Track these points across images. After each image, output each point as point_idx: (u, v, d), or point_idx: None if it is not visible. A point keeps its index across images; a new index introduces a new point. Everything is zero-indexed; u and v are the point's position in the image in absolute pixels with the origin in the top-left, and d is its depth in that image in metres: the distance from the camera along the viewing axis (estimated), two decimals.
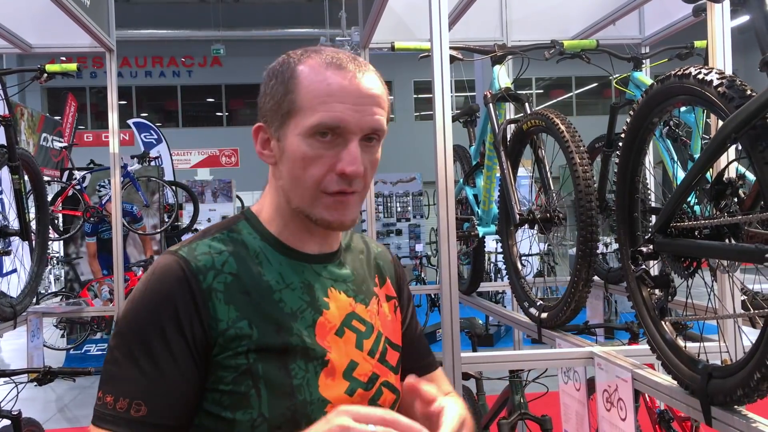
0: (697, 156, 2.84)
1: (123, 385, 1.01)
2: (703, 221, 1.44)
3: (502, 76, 2.88)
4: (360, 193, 1.11)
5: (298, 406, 1.05)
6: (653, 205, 3.16)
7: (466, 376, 3.06)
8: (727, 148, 1.33)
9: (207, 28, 17.95)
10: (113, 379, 1.02)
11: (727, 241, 1.44)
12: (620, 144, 1.78)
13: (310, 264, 1.15)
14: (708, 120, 2.80)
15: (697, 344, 1.72)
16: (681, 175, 2.94)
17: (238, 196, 13.86)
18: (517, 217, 2.53)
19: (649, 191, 3.23)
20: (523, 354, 2.17)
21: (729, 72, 2.05)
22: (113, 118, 3.79)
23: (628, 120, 1.74)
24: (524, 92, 2.85)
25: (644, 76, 3.24)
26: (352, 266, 1.22)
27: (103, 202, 7.39)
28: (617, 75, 3.22)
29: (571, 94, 21.75)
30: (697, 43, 3.27)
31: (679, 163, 2.99)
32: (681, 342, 1.63)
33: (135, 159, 7.91)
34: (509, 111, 3.27)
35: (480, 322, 3.35)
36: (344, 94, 1.06)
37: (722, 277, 1.82)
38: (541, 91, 21.95)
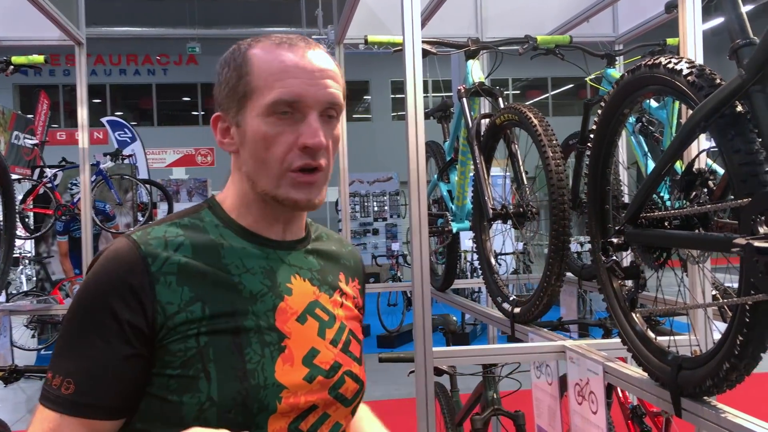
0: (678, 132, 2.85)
1: (60, 362, 1.02)
2: (672, 211, 1.44)
3: (476, 71, 2.87)
4: (324, 171, 1.11)
5: (250, 390, 1.03)
6: (626, 201, 3.17)
7: (439, 372, 3.04)
8: (696, 136, 1.32)
9: (183, 26, 17.78)
10: (55, 356, 1.03)
11: (697, 231, 1.44)
12: (591, 136, 1.78)
13: (274, 250, 1.14)
14: (681, 121, 2.82)
15: (667, 337, 1.73)
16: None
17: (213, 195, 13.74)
18: (491, 212, 2.52)
19: (622, 188, 3.25)
20: (495, 348, 2.15)
21: (699, 47, 2.05)
22: (83, 113, 3.72)
23: (600, 111, 1.74)
24: (499, 90, 2.84)
25: (618, 73, 3.26)
26: (319, 257, 1.22)
27: (75, 200, 7.28)
28: (592, 74, 3.23)
29: (547, 94, 21.89)
30: (669, 41, 3.30)
31: (651, 158, 3.00)
32: (651, 334, 1.63)
33: (108, 157, 7.80)
34: (483, 106, 3.26)
35: (454, 319, 3.33)
36: (298, 70, 1.07)
37: (692, 269, 1.82)
38: (518, 91, 22.06)
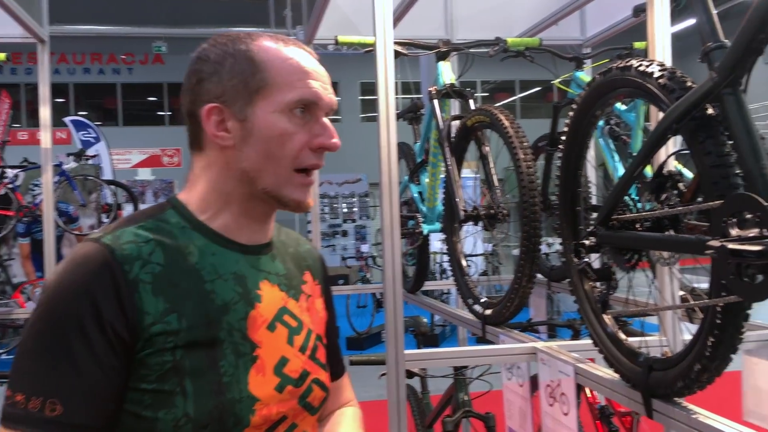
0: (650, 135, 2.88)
1: (35, 381, 0.94)
2: (644, 213, 1.45)
3: (447, 73, 2.87)
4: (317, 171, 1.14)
5: (226, 404, 1.00)
6: (594, 203, 3.21)
7: (410, 375, 3.03)
8: (668, 138, 1.33)
9: (149, 24, 17.54)
10: (25, 375, 0.95)
11: (668, 233, 1.45)
12: (563, 138, 1.78)
13: (243, 254, 1.11)
14: (648, 123, 2.85)
15: (638, 339, 1.74)
16: (621, 171, 2.99)
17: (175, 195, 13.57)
18: (462, 213, 2.51)
19: (590, 189, 3.27)
20: (467, 350, 2.15)
21: (668, 50, 2.07)
22: (45, 113, 3.64)
23: (571, 113, 1.74)
24: (470, 91, 2.84)
25: (586, 76, 3.29)
26: (284, 260, 1.19)
27: (37, 201, 7.11)
28: (560, 76, 3.26)
29: (515, 97, 22.08)
30: (637, 44, 3.34)
31: (619, 160, 3.03)
32: (622, 335, 1.64)
33: (71, 157, 7.65)
34: (454, 108, 3.26)
35: (425, 320, 3.33)
36: (315, 73, 1.09)
37: (661, 271, 1.83)
38: (486, 94, 22.20)
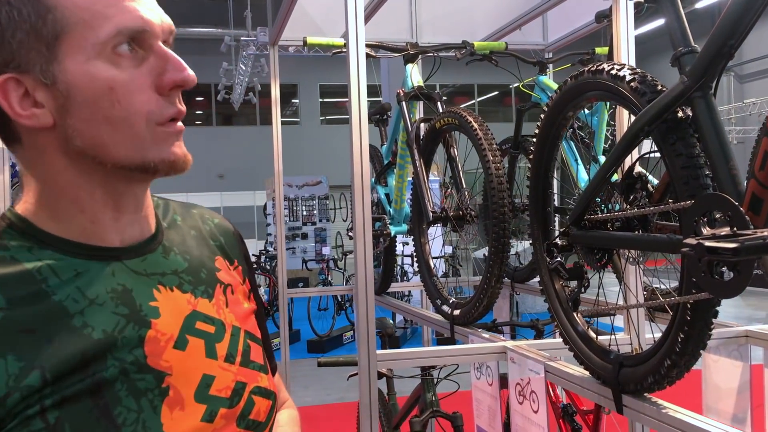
0: (600, 157, 2.96)
1: None
2: (616, 213, 1.48)
3: (415, 75, 2.89)
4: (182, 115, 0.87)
5: None
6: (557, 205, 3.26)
7: (378, 376, 3.04)
8: (640, 140, 1.37)
9: None
10: None
11: (637, 232, 1.49)
12: (534, 140, 1.81)
13: (120, 261, 0.85)
14: (612, 123, 2.92)
15: (607, 337, 1.78)
16: (583, 175, 3.05)
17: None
18: (431, 215, 2.53)
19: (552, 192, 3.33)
20: (437, 350, 2.17)
21: (632, 55, 2.13)
22: None
23: (542, 116, 1.77)
24: (438, 93, 2.87)
25: (549, 80, 3.35)
26: (182, 250, 0.93)
27: None
28: (523, 80, 3.32)
29: (473, 101, 22.32)
30: (598, 50, 3.42)
31: (581, 163, 3.10)
32: (592, 333, 1.67)
33: None
34: (420, 110, 3.29)
35: (391, 322, 3.34)
36: None
37: (628, 270, 1.88)
38: (445, 97, 22.38)
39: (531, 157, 1.83)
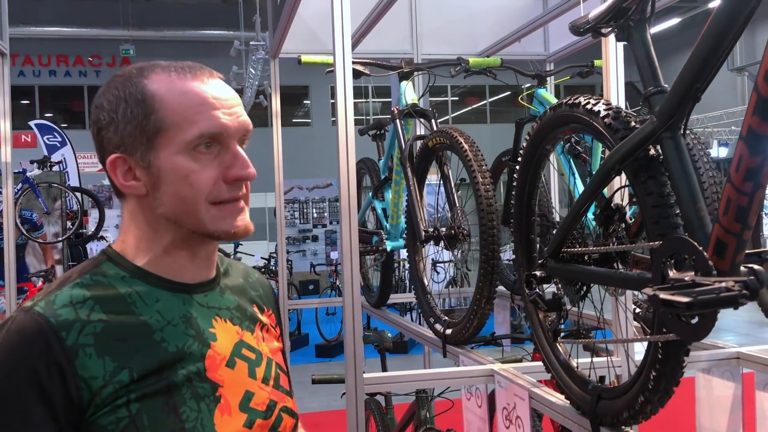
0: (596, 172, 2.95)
1: None
2: (591, 248, 1.48)
3: (409, 92, 2.90)
4: (245, 196, 1.08)
5: None
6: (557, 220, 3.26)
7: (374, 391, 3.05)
8: (612, 178, 1.37)
9: (116, 27, 17.35)
10: None
11: (615, 265, 1.49)
12: (517, 168, 1.82)
13: (189, 294, 1.09)
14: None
15: (589, 360, 1.78)
16: (581, 188, 3.04)
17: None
18: (423, 234, 2.54)
19: (553, 207, 3.33)
20: (425, 373, 2.18)
21: (622, 91, 2.14)
22: (5, 125, 3.59)
23: (524, 144, 1.78)
24: (440, 98, 2.88)
25: (548, 93, 3.34)
26: (233, 292, 1.18)
27: None
28: (526, 86, 3.31)
29: (485, 102, 22.25)
30: (597, 62, 3.40)
31: (579, 178, 3.09)
32: (574, 363, 1.67)
33: (35, 165, 7.54)
34: (418, 127, 3.29)
35: (389, 335, 3.35)
36: (215, 101, 1.03)
37: (612, 299, 1.88)
38: (456, 98, 22.34)
39: (514, 184, 1.84)
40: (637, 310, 2.41)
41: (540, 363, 2.15)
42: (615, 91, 2.16)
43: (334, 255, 12.64)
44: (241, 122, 1.06)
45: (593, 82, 4.08)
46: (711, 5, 15.48)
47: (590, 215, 2.60)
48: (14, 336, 0.95)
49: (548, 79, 3.50)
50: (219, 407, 1.03)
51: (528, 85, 3.44)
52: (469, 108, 22.49)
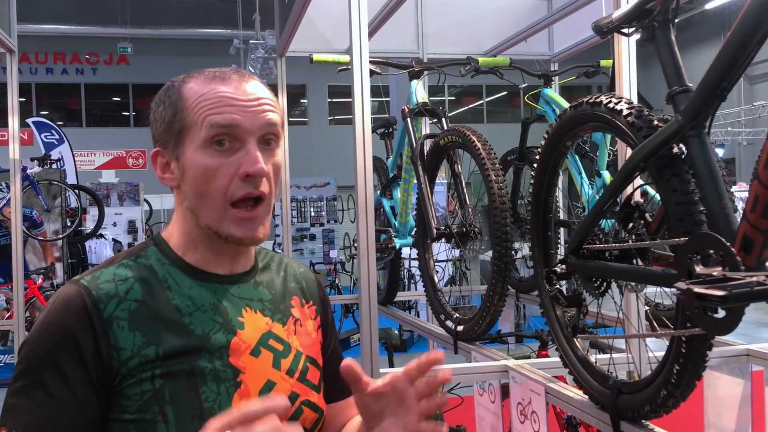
0: (603, 171, 2.98)
1: (18, 416, 1.00)
2: (613, 244, 1.51)
3: (420, 91, 2.92)
4: (266, 201, 1.11)
5: None
6: (561, 218, 3.29)
7: None
8: (636, 175, 1.39)
9: (113, 24, 17.30)
10: (10, 410, 1.01)
11: (634, 261, 1.51)
12: (535, 165, 1.84)
13: (222, 285, 1.14)
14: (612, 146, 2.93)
15: (606, 356, 1.80)
16: (587, 188, 3.07)
17: (146, 200, 13.43)
18: (434, 231, 2.56)
19: (558, 205, 3.35)
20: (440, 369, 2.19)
21: (634, 90, 2.16)
22: (14, 123, 3.59)
23: (542, 143, 1.80)
24: (437, 98, 2.90)
25: (554, 93, 3.36)
26: (269, 286, 1.22)
27: (0, 206, 7.00)
28: (528, 86, 3.33)
29: (482, 101, 22.27)
30: (603, 62, 3.42)
31: (586, 177, 3.12)
32: (592, 358, 1.70)
33: (35, 162, 7.53)
34: (424, 125, 3.32)
35: (396, 333, 3.37)
36: (232, 99, 1.08)
37: (629, 295, 1.90)
38: (453, 98, 22.36)
39: (532, 182, 1.86)
40: (646, 308, 2.44)
41: (552, 359, 2.18)
42: (628, 90, 2.18)
43: (333, 254, 12.64)
44: (262, 119, 1.09)
45: (590, 83, 4.10)
46: (708, 6, 15.55)
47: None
48: (60, 303, 1.06)
49: (554, 79, 3.52)
50: (238, 392, 1.08)
51: (525, 85, 3.46)
52: (466, 108, 22.51)
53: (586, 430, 3.27)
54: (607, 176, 2.96)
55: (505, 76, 3.27)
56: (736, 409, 2.37)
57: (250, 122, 1.08)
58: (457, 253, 2.75)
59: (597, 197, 3.01)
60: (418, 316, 7.06)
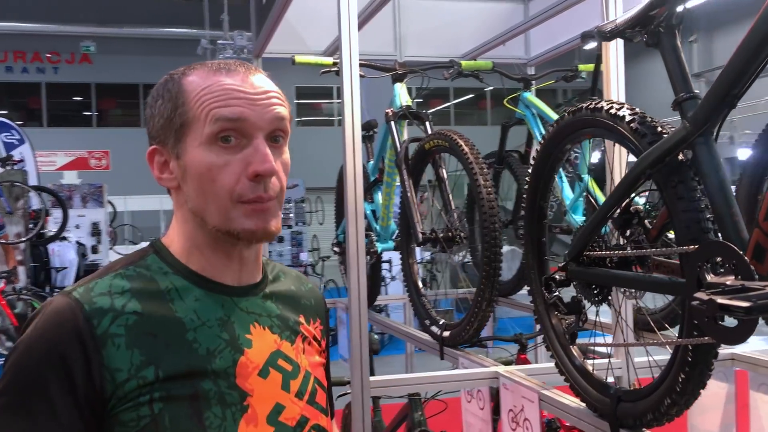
0: (584, 175, 2.99)
1: None
2: (615, 251, 1.49)
3: (403, 94, 2.89)
4: (278, 197, 1.04)
5: None
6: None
7: None
8: (642, 182, 1.38)
9: (76, 23, 16.94)
10: None
11: (633, 269, 1.50)
12: (530, 171, 1.82)
13: (230, 297, 1.05)
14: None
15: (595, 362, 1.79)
16: (568, 192, 3.08)
17: (110, 202, 13.19)
18: (420, 236, 2.54)
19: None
20: (430, 376, 2.17)
21: (622, 93, 2.15)
22: None
23: (538, 149, 1.79)
24: (426, 113, 2.88)
25: (534, 97, 3.37)
26: (278, 300, 1.13)
27: None
28: (489, 89, 3.33)
29: (449, 103, 22.37)
30: (581, 67, 3.44)
31: (566, 182, 3.13)
32: (589, 366, 1.68)
33: None
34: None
35: (376, 338, 3.34)
36: (239, 92, 1.00)
37: (618, 306, 1.89)
38: (420, 99, 22.39)
39: (526, 187, 1.84)
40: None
41: (543, 365, 2.17)
42: (615, 94, 2.18)
43: (303, 257, 12.54)
44: (271, 114, 1.02)
45: (566, 86, 4.12)
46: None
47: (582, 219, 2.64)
48: (49, 318, 0.96)
49: (533, 82, 3.53)
50: (245, 417, 0.99)
51: (492, 87, 3.45)
52: (433, 110, 22.58)
53: None
54: (588, 180, 2.98)
55: (484, 80, 3.26)
56: (720, 412, 2.39)
57: (259, 116, 1.00)
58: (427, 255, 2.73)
59: (580, 201, 3.02)
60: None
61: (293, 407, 1.06)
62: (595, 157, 3.04)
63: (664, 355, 1.79)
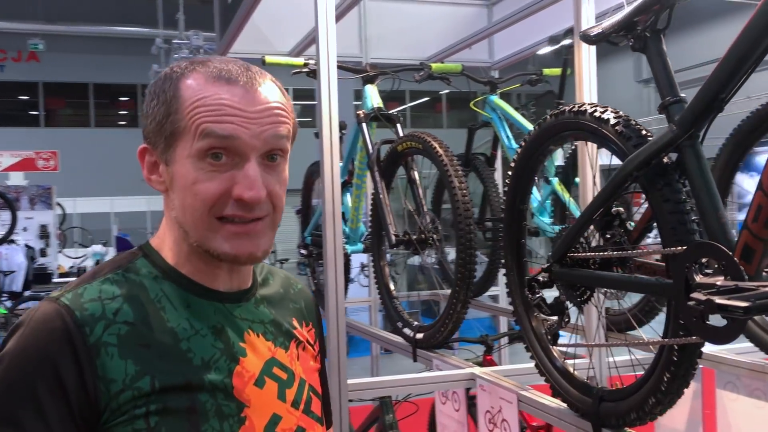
0: (552, 178, 3.02)
1: None
2: (598, 253, 1.51)
3: (375, 96, 2.88)
4: (271, 216, 0.99)
5: None
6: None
7: None
8: (628, 184, 1.40)
9: (24, 19, 16.45)
10: None
11: (615, 270, 1.52)
12: (509, 173, 1.83)
13: (222, 303, 1.01)
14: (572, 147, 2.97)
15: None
16: (536, 195, 3.11)
17: (59, 204, 12.85)
18: (393, 238, 2.53)
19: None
20: (407, 378, 2.17)
21: (594, 95, 2.18)
22: None
23: (519, 150, 1.80)
24: (398, 115, 2.88)
25: (500, 100, 3.40)
26: (269, 305, 1.09)
27: None
28: (445, 92, 3.37)
29: (405, 106, 22.45)
30: (546, 71, 3.49)
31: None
32: (570, 367, 1.70)
33: None
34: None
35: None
36: (235, 108, 0.94)
37: (591, 309, 1.91)
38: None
39: (506, 189, 1.85)
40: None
41: (521, 365, 2.18)
42: (588, 96, 2.20)
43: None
44: (267, 134, 0.95)
45: (520, 91, 4.17)
46: None
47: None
48: (37, 326, 0.91)
49: (500, 86, 3.56)
50: (242, 429, 0.96)
51: (446, 90, 3.48)
52: (390, 112, 22.63)
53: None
54: (555, 183, 3.01)
55: (454, 87, 3.28)
56: (686, 408, 2.45)
57: (253, 135, 0.94)
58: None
59: (547, 203, 3.06)
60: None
61: (290, 417, 1.03)
62: (562, 159, 3.08)
63: (624, 356, 1.84)
